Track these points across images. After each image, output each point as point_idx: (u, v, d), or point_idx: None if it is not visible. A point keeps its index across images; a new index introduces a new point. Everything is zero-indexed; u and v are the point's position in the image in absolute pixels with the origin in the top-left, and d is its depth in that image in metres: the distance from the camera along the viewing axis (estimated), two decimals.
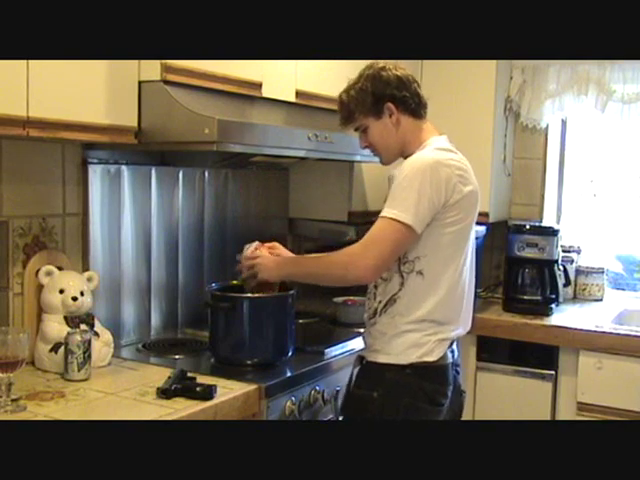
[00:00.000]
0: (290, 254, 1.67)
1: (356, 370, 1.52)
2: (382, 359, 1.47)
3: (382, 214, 1.40)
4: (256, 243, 1.65)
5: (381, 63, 1.51)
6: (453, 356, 1.51)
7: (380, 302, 1.49)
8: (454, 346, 1.52)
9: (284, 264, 1.57)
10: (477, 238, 2.41)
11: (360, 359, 1.54)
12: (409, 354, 1.44)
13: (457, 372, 1.54)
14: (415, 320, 1.45)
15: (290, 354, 1.69)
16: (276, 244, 1.68)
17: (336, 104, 1.57)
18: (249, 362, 1.65)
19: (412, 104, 1.50)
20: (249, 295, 1.64)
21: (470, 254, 1.54)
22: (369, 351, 1.51)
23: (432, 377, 1.46)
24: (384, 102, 1.49)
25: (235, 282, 1.71)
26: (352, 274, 1.40)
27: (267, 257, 1.58)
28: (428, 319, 1.45)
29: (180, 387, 1.42)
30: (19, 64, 1.30)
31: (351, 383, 1.53)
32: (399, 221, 1.37)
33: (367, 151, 1.60)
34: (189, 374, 1.51)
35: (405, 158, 1.50)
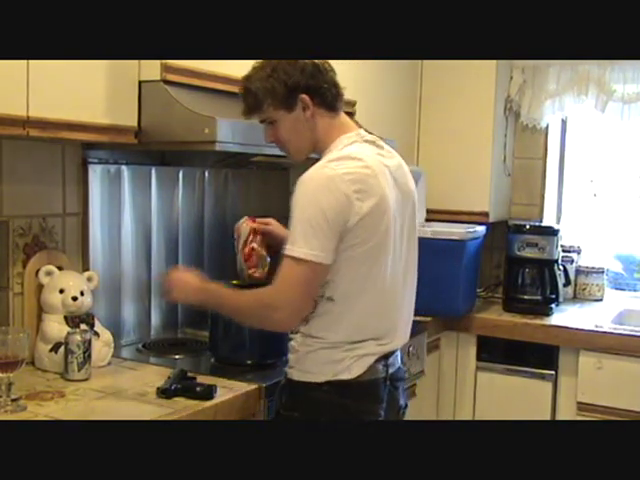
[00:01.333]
0: (284, 232, 1.47)
1: (280, 386, 1.41)
2: (297, 376, 1.35)
3: (286, 251, 1.26)
4: (245, 218, 1.58)
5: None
6: (387, 370, 1.37)
7: None
8: (392, 359, 1.40)
9: (201, 292, 1.40)
10: (477, 238, 2.44)
11: (285, 374, 1.42)
12: (324, 371, 1.32)
13: (395, 387, 1.41)
14: (327, 342, 1.32)
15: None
16: (270, 220, 1.57)
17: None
18: (249, 362, 1.64)
19: (329, 96, 1.33)
20: None
21: (403, 260, 1.39)
22: (288, 366, 1.39)
23: (356, 395, 1.33)
24: (298, 94, 1.31)
25: (235, 282, 1.71)
26: (269, 326, 1.33)
27: (186, 279, 1.43)
28: (340, 341, 1.32)
29: (180, 387, 1.42)
30: (19, 64, 1.30)
31: (279, 400, 1.41)
32: (301, 259, 1.23)
33: None
34: (189, 374, 1.51)
35: (318, 154, 1.35)
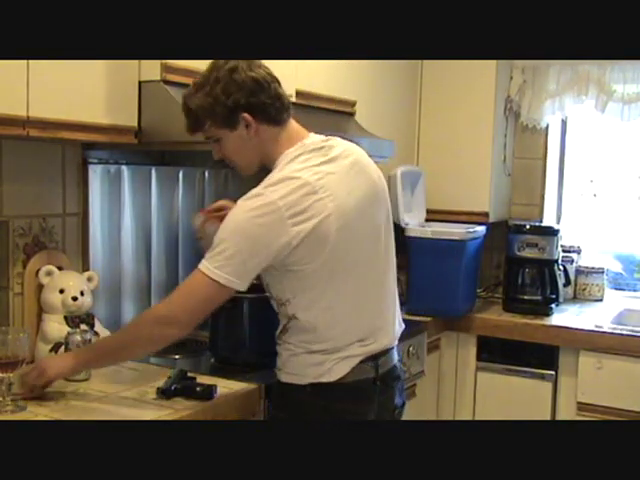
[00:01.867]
0: None
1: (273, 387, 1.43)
2: (284, 378, 1.36)
3: (201, 265, 1.24)
4: (197, 213, 1.54)
5: (232, 63, 1.28)
6: (377, 371, 1.35)
7: (279, 324, 1.37)
8: (383, 359, 1.38)
9: (75, 355, 1.38)
10: (477, 238, 2.44)
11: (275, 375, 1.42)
12: (306, 374, 1.32)
13: (389, 387, 1.40)
14: (306, 350, 1.32)
15: None
16: (223, 203, 1.50)
17: (340, 104, 1.45)
18: (249, 362, 1.64)
19: (272, 111, 1.29)
20: (249, 295, 1.61)
21: (380, 260, 1.36)
22: (276, 368, 1.39)
23: (339, 396, 1.32)
24: (239, 113, 1.26)
25: None
26: (160, 343, 1.30)
27: (48, 358, 1.43)
28: (323, 349, 1.31)
29: (180, 387, 1.42)
30: (19, 64, 1.30)
31: (272, 401, 1.44)
32: (212, 279, 1.22)
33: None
34: (189, 374, 1.51)
35: (268, 167, 1.33)
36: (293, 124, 1.36)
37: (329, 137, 1.38)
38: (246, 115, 1.28)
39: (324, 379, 1.31)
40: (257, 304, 1.61)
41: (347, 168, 1.33)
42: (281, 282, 1.31)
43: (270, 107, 1.29)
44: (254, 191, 1.26)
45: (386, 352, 1.40)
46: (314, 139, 1.36)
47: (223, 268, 1.22)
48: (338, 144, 1.36)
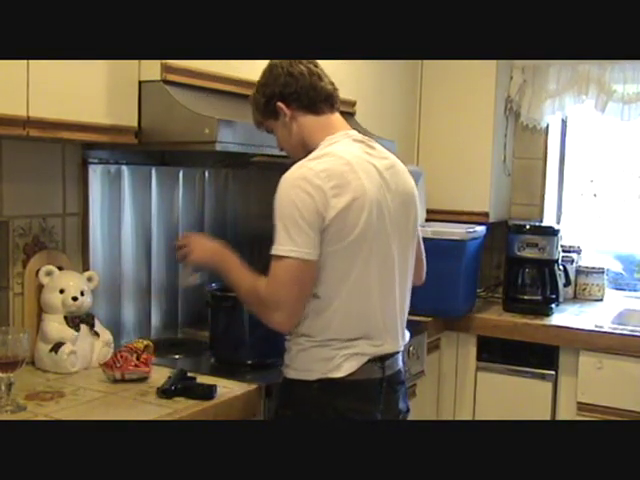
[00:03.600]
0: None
1: (278, 384, 1.43)
2: (291, 374, 1.37)
3: (272, 251, 1.30)
4: (194, 274, 1.64)
5: (274, 62, 1.41)
6: (383, 372, 1.37)
7: None
8: (390, 362, 1.40)
9: (219, 254, 1.45)
10: (477, 238, 2.44)
11: (281, 373, 1.43)
12: (315, 369, 1.33)
13: (393, 390, 1.41)
14: (318, 340, 1.34)
15: None
16: (186, 237, 1.57)
17: (340, 105, 1.46)
18: (249, 362, 1.64)
19: (305, 100, 1.38)
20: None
21: (396, 262, 1.39)
22: (283, 366, 1.41)
23: (345, 393, 1.33)
24: (274, 102, 1.39)
25: None
26: (270, 326, 1.33)
27: (204, 240, 1.50)
28: (334, 338, 1.33)
29: (180, 387, 1.42)
30: (19, 64, 1.30)
31: (277, 399, 1.44)
32: (287, 257, 1.27)
33: None
34: (189, 374, 1.51)
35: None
36: (336, 116, 1.44)
37: (369, 138, 1.45)
38: (280, 104, 1.39)
39: (333, 374, 1.33)
40: None
41: (385, 167, 1.39)
42: None
43: (303, 96, 1.39)
44: (295, 166, 1.34)
45: (393, 355, 1.42)
46: (357, 134, 1.43)
47: (290, 244, 1.27)
48: (377, 145, 1.44)
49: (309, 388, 1.34)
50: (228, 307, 1.62)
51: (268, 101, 1.40)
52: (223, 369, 1.62)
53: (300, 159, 1.39)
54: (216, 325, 1.67)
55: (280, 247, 1.29)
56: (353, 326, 1.35)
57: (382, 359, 1.38)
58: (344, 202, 1.29)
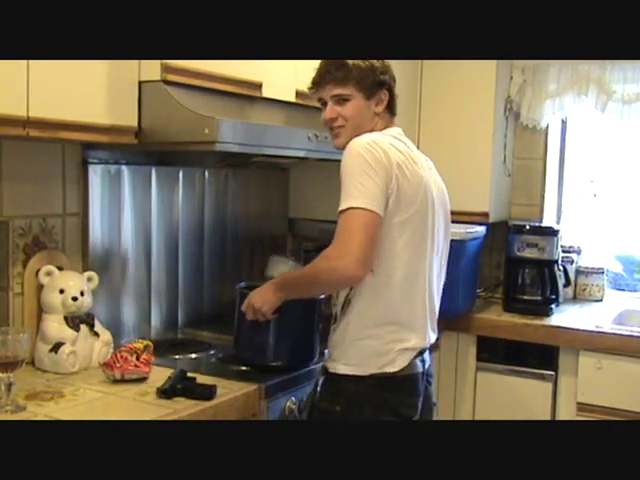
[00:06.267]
0: None
1: (320, 380, 1.44)
2: (342, 369, 1.38)
3: (339, 209, 1.32)
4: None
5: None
6: (424, 366, 1.44)
7: (337, 305, 1.41)
8: (425, 356, 1.45)
9: (276, 290, 1.45)
10: (477, 238, 2.43)
11: (324, 369, 1.44)
12: (369, 364, 1.36)
13: (429, 383, 1.48)
14: (372, 324, 1.36)
15: (316, 359, 1.61)
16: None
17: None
18: (274, 364, 1.58)
19: (395, 103, 1.48)
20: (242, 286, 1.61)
21: (439, 257, 1.47)
22: (330, 360, 1.42)
23: (397, 388, 1.37)
24: (382, 88, 1.44)
25: (245, 286, 1.67)
26: (339, 278, 1.31)
27: (258, 291, 1.48)
28: (385, 321, 1.36)
29: (180, 387, 1.42)
30: (19, 64, 1.30)
31: (315, 394, 1.44)
32: (356, 207, 1.28)
33: None
34: (189, 374, 1.51)
35: None
36: (395, 121, 1.51)
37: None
38: (386, 92, 1.44)
39: (387, 369, 1.36)
40: (287, 305, 1.48)
41: (427, 168, 1.48)
42: None
43: (396, 99, 1.49)
44: (363, 135, 1.38)
45: (427, 349, 1.47)
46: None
47: (358, 197, 1.30)
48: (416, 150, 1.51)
49: (362, 383, 1.36)
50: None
51: (379, 83, 1.43)
52: (223, 369, 1.62)
53: (341, 143, 1.43)
54: (242, 325, 1.57)
55: (344, 203, 1.30)
56: (400, 310, 1.38)
57: (421, 352, 1.43)
58: (406, 174, 1.35)
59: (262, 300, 1.46)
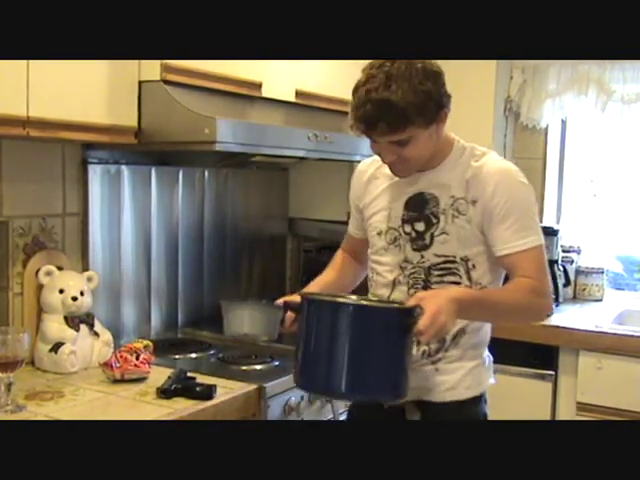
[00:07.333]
0: None
1: (416, 417, 1.30)
2: (462, 395, 1.30)
3: (532, 242, 1.25)
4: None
5: (430, 62, 1.23)
6: None
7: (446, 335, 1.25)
8: None
9: (459, 309, 1.14)
10: None
11: (419, 405, 1.29)
12: (483, 382, 1.35)
13: None
14: (483, 347, 1.36)
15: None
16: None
17: (340, 104, 1.42)
18: (351, 396, 1.25)
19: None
20: (362, 302, 1.21)
21: None
22: (437, 392, 1.29)
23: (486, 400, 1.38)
24: (444, 108, 1.20)
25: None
26: (542, 316, 1.33)
27: (438, 307, 1.11)
28: (487, 342, 1.38)
29: (180, 387, 1.42)
30: (19, 64, 1.30)
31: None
32: (542, 245, 1.29)
33: (367, 150, 1.31)
34: (189, 374, 1.51)
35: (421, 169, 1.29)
36: None
37: None
38: (446, 111, 1.22)
39: (491, 381, 1.37)
40: (371, 317, 1.15)
41: None
42: (491, 262, 1.30)
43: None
44: (499, 159, 1.31)
45: None
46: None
47: (540, 233, 1.28)
48: None
49: (479, 402, 1.34)
50: (331, 318, 1.14)
51: (439, 107, 1.19)
52: (223, 369, 1.62)
53: (404, 176, 1.28)
54: (309, 341, 1.16)
55: (539, 236, 1.27)
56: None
57: None
58: None
59: (450, 320, 1.12)
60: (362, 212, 1.41)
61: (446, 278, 1.30)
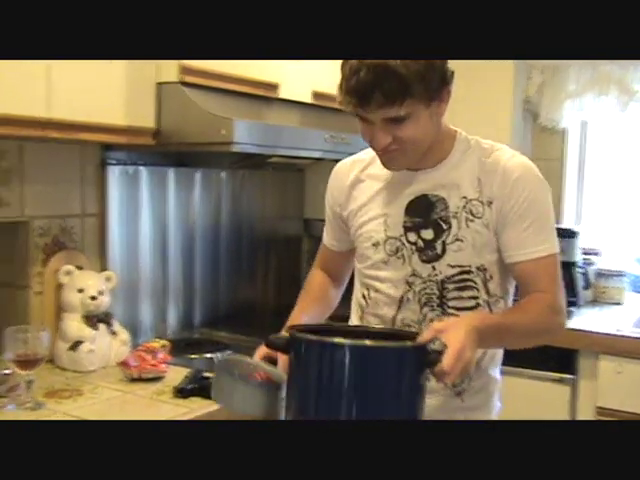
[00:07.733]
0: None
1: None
2: (493, 414, 1.27)
3: (547, 250, 1.13)
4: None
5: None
6: None
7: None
8: None
9: (479, 339, 1.00)
10: None
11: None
12: (499, 397, 1.30)
13: None
14: (499, 366, 1.29)
15: None
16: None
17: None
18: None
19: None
20: (364, 343, 0.98)
21: None
22: (466, 411, 1.21)
23: None
24: (446, 85, 1.09)
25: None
26: (558, 335, 1.18)
27: (462, 343, 0.96)
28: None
29: (196, 387, 1.43)
30: (40, 67, 1.32)
31: None
32: (557, 253, 1.17)
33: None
34: (205, 374, 1.51)
35: (418, 167, 1.17)
36: None
37: None
38: (449, 90, 1.10)
39: (499, 404, 1.32)
40: (375, 358, 0.97)
41: None
42: (505, 274, 1.18)
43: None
44: (517, 154, 1.18)
45: None
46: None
47: (556, 240, 1.16)
48: None
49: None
50: (328, 357, 0.99)
51: (442, 81, 1.09)
52: None
53: (401, 167, 1.15)
54: (301, 383, 1.05)
55: (555, 243, 1.14)
56: None
57: None
58: None
59: (474, 355, 0.99)
60: (347, 221, 1.23)
61: (464, 293, 1.14)
